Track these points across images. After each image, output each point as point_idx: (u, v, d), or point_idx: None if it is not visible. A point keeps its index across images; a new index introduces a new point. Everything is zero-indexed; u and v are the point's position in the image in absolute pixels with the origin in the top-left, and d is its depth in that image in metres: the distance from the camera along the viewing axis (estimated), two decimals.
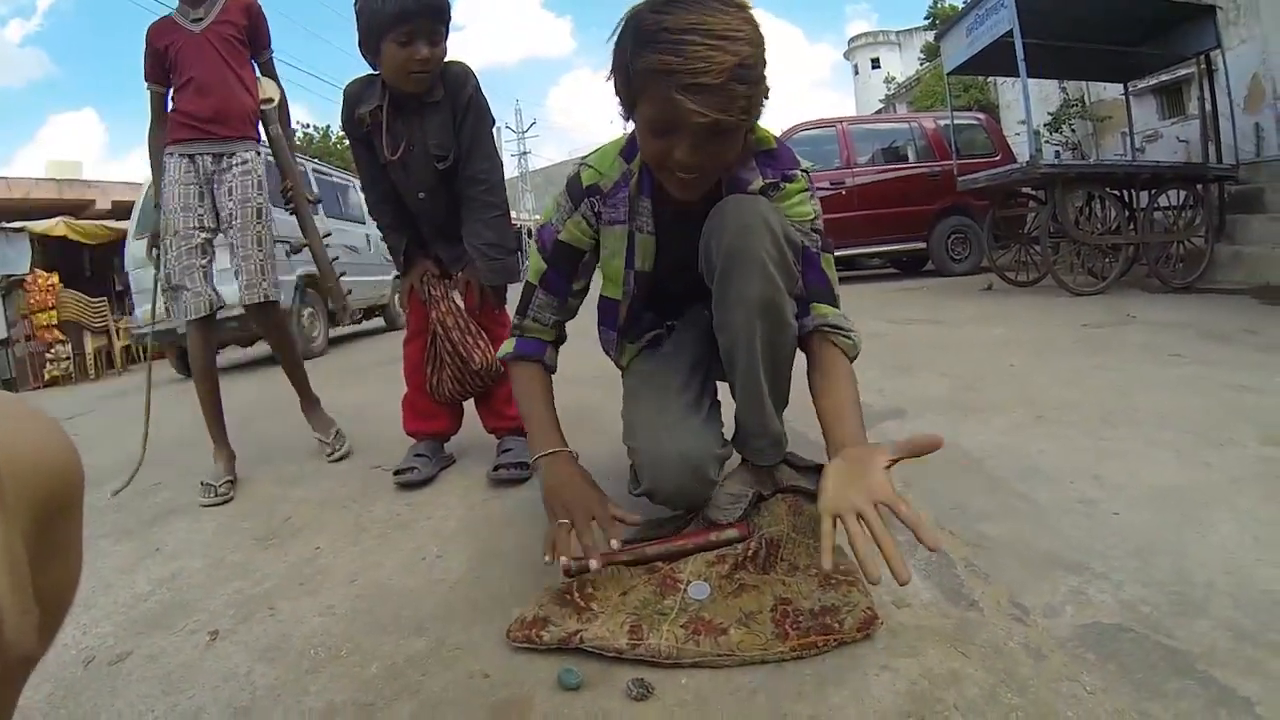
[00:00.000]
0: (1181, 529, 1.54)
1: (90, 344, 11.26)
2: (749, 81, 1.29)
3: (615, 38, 1.37)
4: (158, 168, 2.82)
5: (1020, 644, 1.19)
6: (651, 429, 1.64)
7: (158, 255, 2.86)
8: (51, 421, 0.64)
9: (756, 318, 1.46)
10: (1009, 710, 1.04)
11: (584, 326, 1.93)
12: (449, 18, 2.22)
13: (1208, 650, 1.12)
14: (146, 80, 2.84)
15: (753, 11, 1.33)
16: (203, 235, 2.79)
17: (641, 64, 1.30)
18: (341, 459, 2.89)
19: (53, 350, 11.37)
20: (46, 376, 11.25)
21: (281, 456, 2.95)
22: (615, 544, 1.43)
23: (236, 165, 2.83)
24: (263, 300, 2.83)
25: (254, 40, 2.93)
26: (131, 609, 1.77)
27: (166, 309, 2.95)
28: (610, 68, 1.41)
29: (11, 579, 0.43)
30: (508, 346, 1.81)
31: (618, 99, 1.44)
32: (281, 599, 1.70)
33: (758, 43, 1.30)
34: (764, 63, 1.33)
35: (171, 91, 2.83)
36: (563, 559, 1.43)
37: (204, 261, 2.78)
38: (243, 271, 2.80)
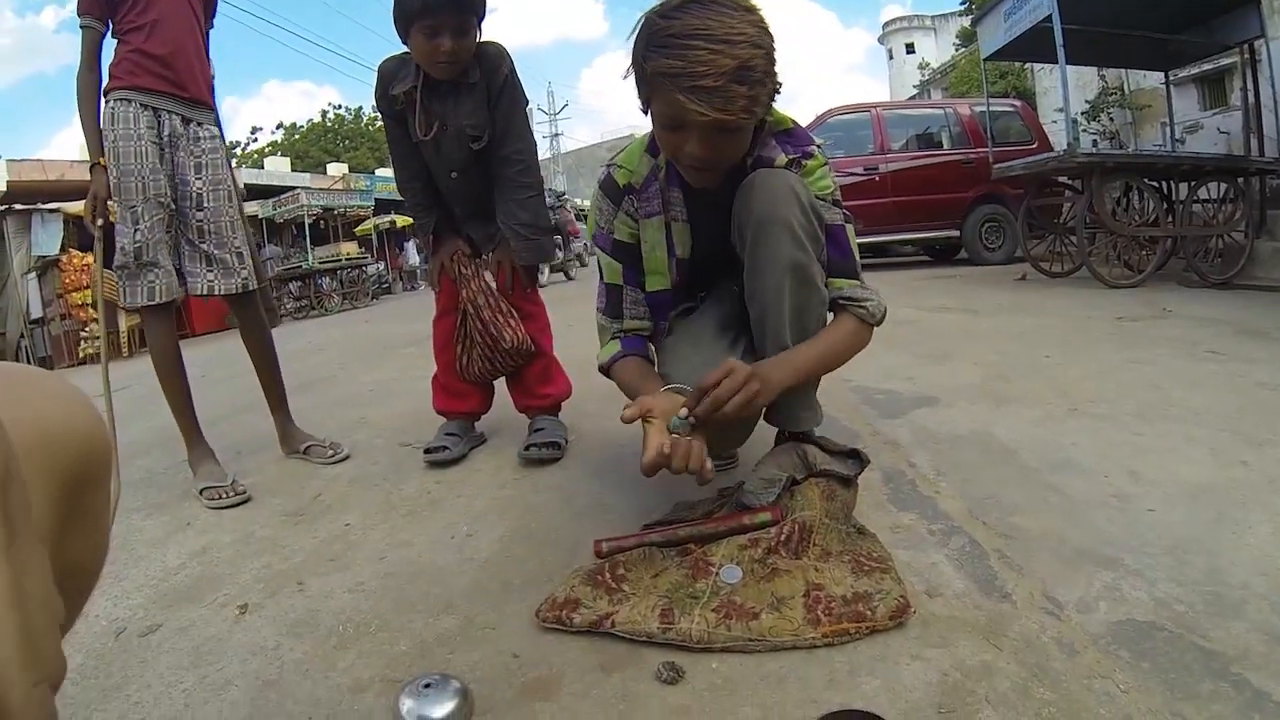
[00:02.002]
0: (1217, 528, 1.52)
1: (124, 322, 11.39)
2: (749, 82, 1.37)
3: (633, 41, 1.48)
4: (93, 116, 2.42)
5: (1053, 638, 1.18)
6: (691, 365, 1.69)
7: (105, 224, 2.44)
8: (79, 394, 0.65)
9: (786, 279, 1.55)
10: (1041, 705, 1.03)
11: None
12: (480, 8, 2.21)
13: (1242, 652, 1.11)
14: (84, 13, 2.41)
15: (760, 14, 1.42)
16: (170, 207, 2.47)
17: (650, 66, 1.41)
18: (342, 460, 2.67)
19: (87, 329, 11.58)
20: (81, 354, 11.45)
21: (311, 432, 2.95)
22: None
23: (205, 138, 2.56)
24: (241, 290, 2.59)
25: (207, 8, 2.68)
26: (162, 582, 1.79)
27: (120, 288, 2.46)
28: (628, 67, 1.52)
29: (19, 636, 0.41)
30: (612, 348, 1.81)
31: (637, 95, 1.55)
32: (311, 575, 1.72)
33: (761, 43, 1.39)
34: (771, 60, 1.42)
35: (115, 30, 2.46)
36: (595, 541, 1.51)
37: (169, 237, 2.47)
38: (216, 260, 2.53)
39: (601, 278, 1.84)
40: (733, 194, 1.62)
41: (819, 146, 1.69)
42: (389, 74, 2.35)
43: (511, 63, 2.34)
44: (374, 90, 2.41)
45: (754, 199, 1.55)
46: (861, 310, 1.66)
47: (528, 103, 2.44)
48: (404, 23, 2.17)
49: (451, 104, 2.31)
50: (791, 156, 1.64)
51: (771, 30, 1.43)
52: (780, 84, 1.48)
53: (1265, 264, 6.38)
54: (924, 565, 1.45)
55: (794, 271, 1.54)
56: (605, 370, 1.83)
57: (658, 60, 1.38)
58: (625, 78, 1.53)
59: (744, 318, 1.75)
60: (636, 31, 1.47)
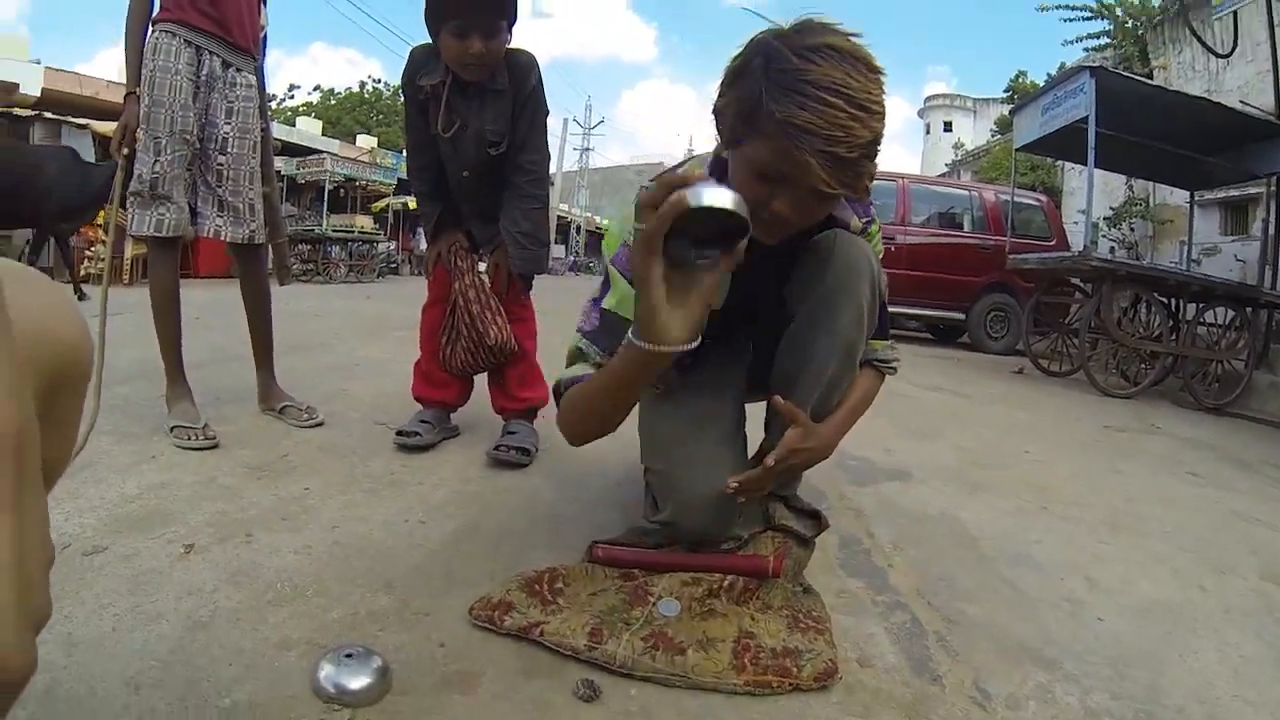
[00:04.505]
0: (1164, 647, 1.52)
1: (130, 249, 11.31)
2: (874, 157, 1.24)
3: (741, 64, 1.27)
4: (137, 45, 2.38)
5: None
6: (684, 459, 1.57)
7: (130, 154, 2.39)
8: (70, 300, 0.64)
9: (836, 356, 1.50)
10: None
11: None
12: (511, 12, 2.23)
13: None
14: None
15: (884, 79, 1.24)
16: (194, 145, 2.47)
17: (778, 110, 1.18)
18: (316, 426, 2.64)
19: (93, 249, 11.50)
20: (83, 273, 11.37)
21: (292, 393, 2.92)
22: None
23: (242, 84, 2.55)
24: (247, 241, 2.60)
25: None
26: (117, 508, 1.78)
27: (130, 215, 2.42)
28: (726, 91, 1.31)
29: (16, 590, 0.41)
30: (583, 370, 1.45)
31: (720, 123, 1.35)
32: (261, 529, 1.71)
33: (885, 116, 1.23)
34: None
35: None
36: (593, 543, 1.58)
37: (188, 175, 2.46)
38: (229, 206, 2.54)
39: (598, 299, 1.51)
40: (781, 249, 1.41)
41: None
42: (419, 62, 2.35)
43: (540, 74, 2.36)
44: (402, 73, 2.42)
45: (833, 263, 1.47)
46: (889, 369, 1.70)
47: (548, 114, 2.46)
48: (434, 22, 2.19)
49: (476, 106, 2.32)
50: (864, 221, 1.59)
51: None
52: None
53: (1261, 396, 6.41)
54: (861, 634, 1.44)
55: (847, 350, 1.51)
56: (563, 388, 1.46)
57: (789, 109, 1.17)
58: (721, 100, 1.32)
59: (744, 378, 1.70)
60: (751, 58, 1.25)
